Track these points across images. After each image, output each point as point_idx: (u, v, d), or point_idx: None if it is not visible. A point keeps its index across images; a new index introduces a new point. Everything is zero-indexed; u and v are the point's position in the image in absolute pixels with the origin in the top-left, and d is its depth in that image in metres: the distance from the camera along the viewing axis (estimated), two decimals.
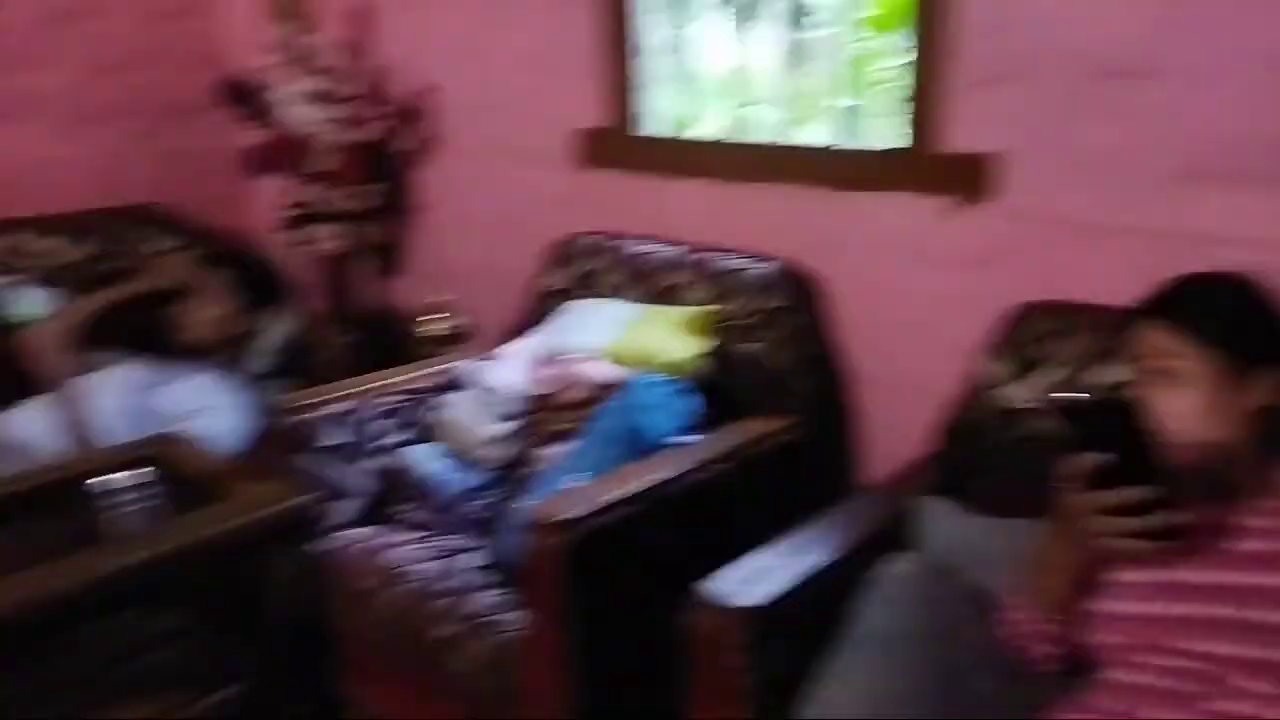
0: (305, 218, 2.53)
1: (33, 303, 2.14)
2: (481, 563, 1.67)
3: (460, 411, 1.87)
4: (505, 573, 1.63)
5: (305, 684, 1.79)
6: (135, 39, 2.59)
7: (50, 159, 2.49)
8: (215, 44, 2.75)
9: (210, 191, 2.80)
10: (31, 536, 1.64)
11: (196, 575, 1.86)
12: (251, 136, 2.50)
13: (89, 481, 1.47)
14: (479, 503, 1.81)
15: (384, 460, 1.88)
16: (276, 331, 2.37)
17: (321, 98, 2.35)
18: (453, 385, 1.96)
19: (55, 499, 1.73)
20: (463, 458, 1.84)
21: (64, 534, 1.62)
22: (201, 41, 2.72)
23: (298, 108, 2.37)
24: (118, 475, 1.47)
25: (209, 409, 2.14)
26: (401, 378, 1.97)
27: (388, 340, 2.65)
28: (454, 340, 2.25)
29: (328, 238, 2.53)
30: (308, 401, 1.80)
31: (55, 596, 1.46)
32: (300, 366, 2.41)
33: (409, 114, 2.44)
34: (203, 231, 2.66)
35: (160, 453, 1.81)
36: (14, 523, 1.67)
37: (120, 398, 2.11)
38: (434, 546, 1.73)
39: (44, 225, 2.37)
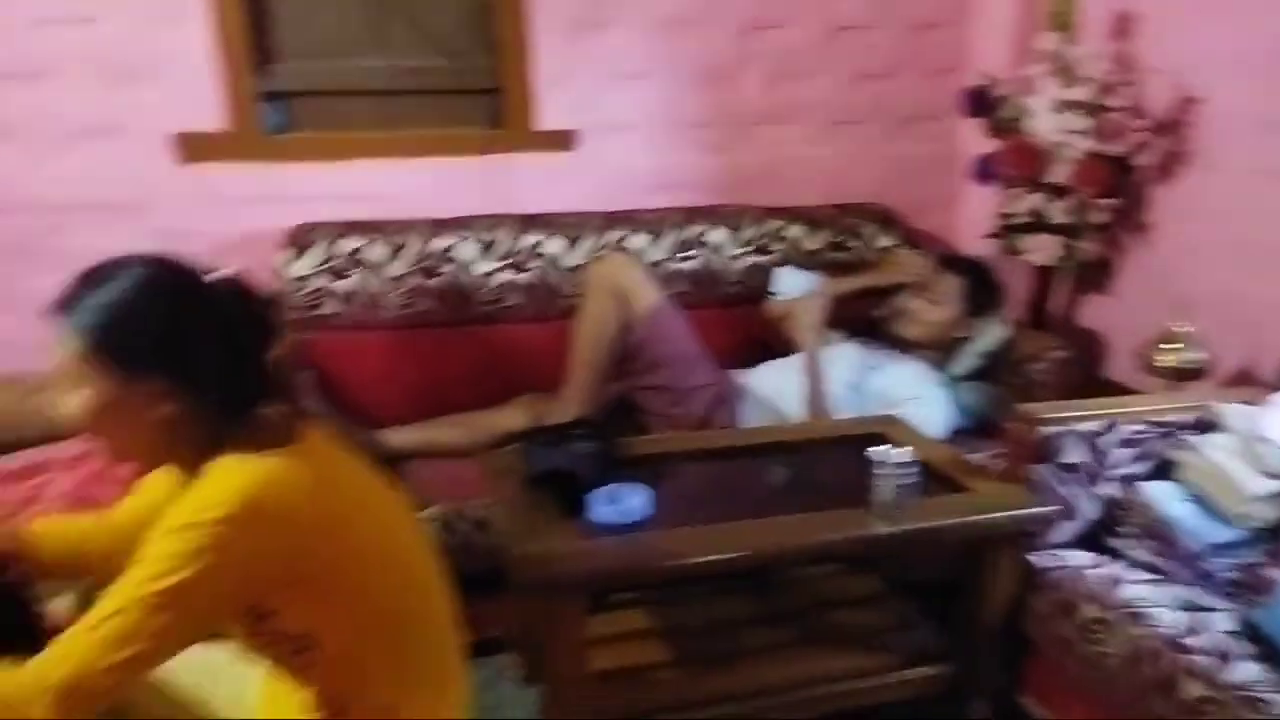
0: (1019, 227, 2.53)
1: (786, 280, 2.48)
2: (1232, 627, 1.51)
3: (1218, 457, 1.70)
4: (1266, 646, 1.45)
5: (995, 684, 1.82)
6: (890, 50, 2.83)
7: (804, 157, 2.86)
8: (962, 54, 2.87)
9: (922, 194, 2.95)
10: (780, 484, 1.90)
11: (923, 554, 2.01)
12: (986, 144, 2.57)
13: (869, 450, 1.64)
14: (1230, 560, 1.64)
15: (1116, 489, 1.80)
16: (988, 337, 2.43)
17: (1078, 108, 2.31)
18: (1206, 425, 1.79)
19: (804, 453, 2.00)
20: (1214, 507, 1.68)
21: (816, 487, 1.86)
22: (948, 52, 2.86)
23: (1048, 117, 2.37)
24: (889, 449, 1.62)
25: (918, 398, 2.27)
26: (1145, 406, 1.86)
27: (1088, 360, 2.55)
28: (1188, 375, 2.06)
29: (1040, 248, 2.50)
30: (1049, 415, 1.79)
31: (816, 545, 1.67)
32: (1000, 373, 2.44)
33: (1165, 128, 2.28)
34: (917, 232, 2.83)
35: (888, 432, 1.97)
36: (764, 468, 1.95)
37: (844, 373, 2.35)
38: (1171, 595, 1.61)
39: (793, 214, 2.72)
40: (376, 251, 2.45)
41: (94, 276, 1.10)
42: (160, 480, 1.29)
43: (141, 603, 1.00)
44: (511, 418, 2.35)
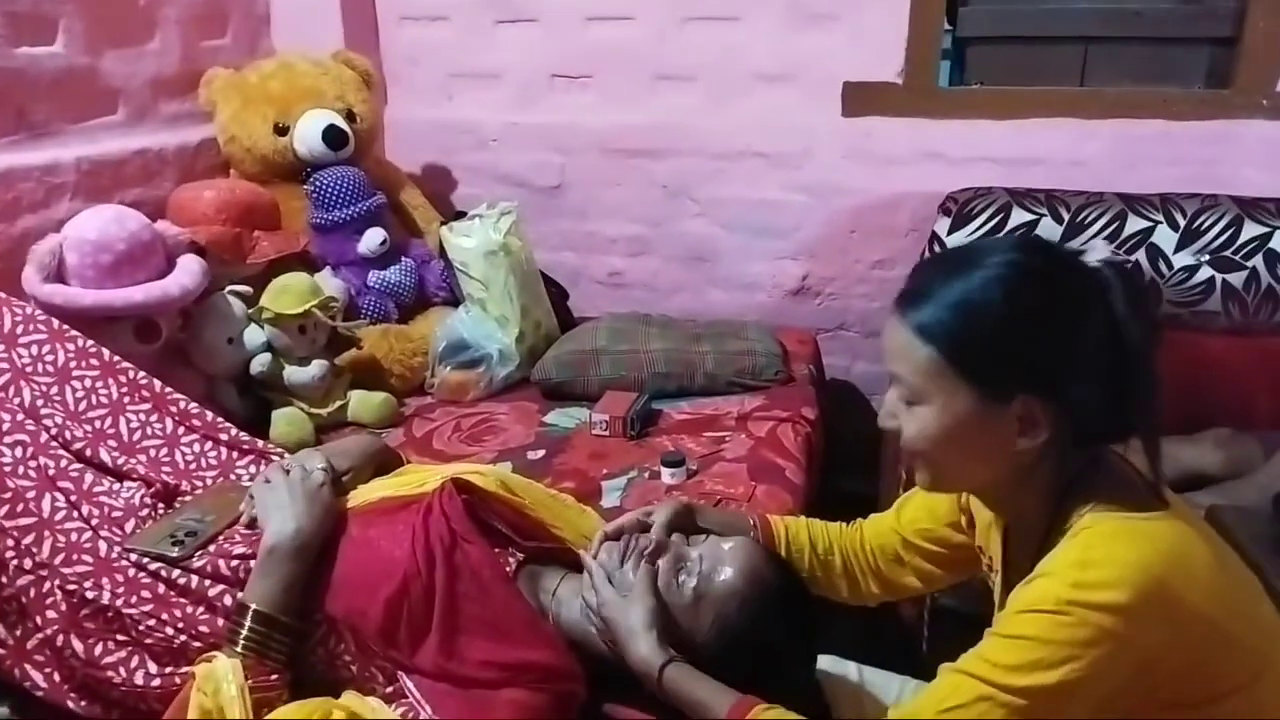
0: None
1: None
2: None
3: None
4: None
5: None
6: None
7: None
8: None
9: None
10: None
11: None
12: None
13: None
14: None
15: None
16: None
17: None
18: None
19: None
20: None
21: None
22: None
23: None
24: None
25: None
26: None
27: None
28: None
29: None
30: None
31: None
32: None
33: None
34: None
35: None
36: None
37: None
38: None
39: None
40: (1048, 226, 2.10)
41: (946, 265, 0.90)
42: (929, 501, 1.10)
43: (1004, 699, 0.79)
44: (1198, 454, 1.89)
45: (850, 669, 1.18)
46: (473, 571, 1.04)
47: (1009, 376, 0.85)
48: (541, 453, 1.76)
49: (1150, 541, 0.81)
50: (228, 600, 1.07)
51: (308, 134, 2.16)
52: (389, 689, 1.00)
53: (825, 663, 1.16)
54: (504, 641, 1.00)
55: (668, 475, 1.62)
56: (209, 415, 1.36)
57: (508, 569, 1.10)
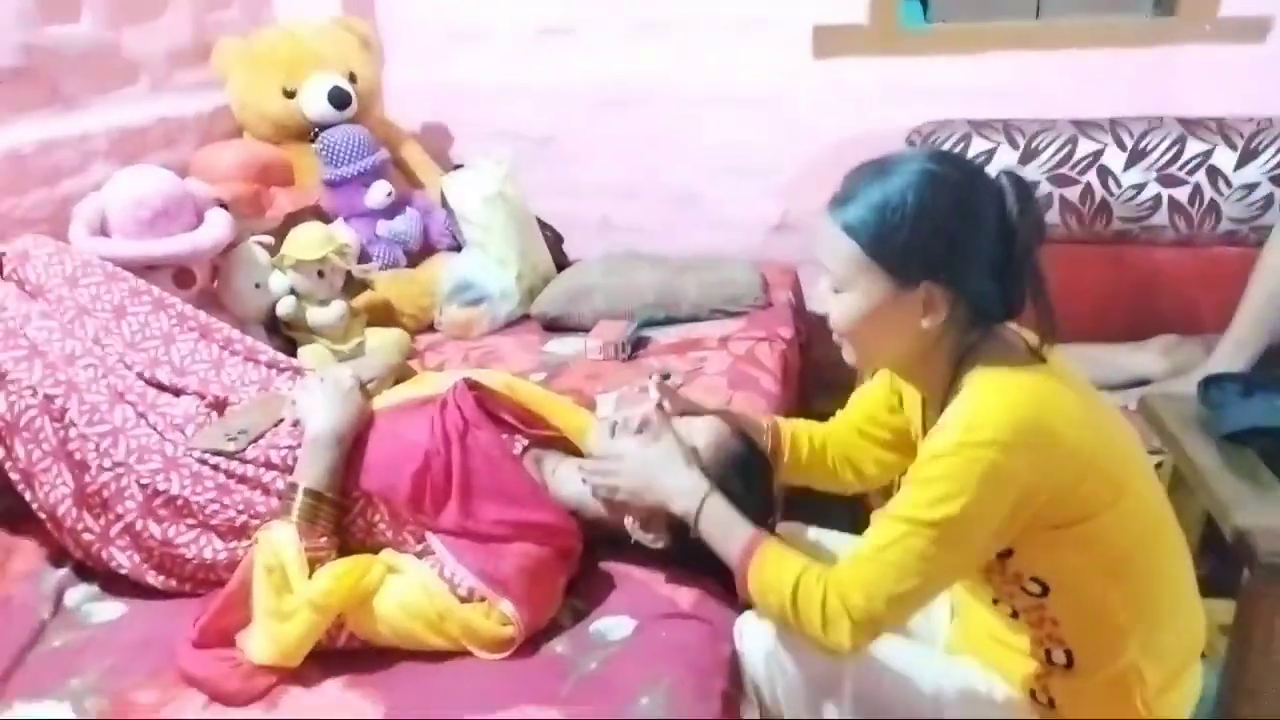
0: None
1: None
2: None
3: None
4: None
5: None
6: None
7: None
8: None
9: None
10: None
11: None
12: None
13: None
14: None
15: None
16: None
17: None
18: None
19: None
20: None
21: None
22: None
23: None
24: None
25: None
26: None
27: None
28: None
29: None
30: None
31: None
32: None
33: None
34: None
35: None
36: None
37: None
38: None
39: None
40: (1005, 153, 2.26)
41: (868, 172, 1.05)
42: (871, 393, 1.28)
43: (921, 531, 0.98)
44: (1145, 360, 2.06)
45: (808, 530, 1.37)
46: (484, 451, 1.23)
47: (916, 268, 1.01)
48: (543, 375, 1.95)
49: (1021, 389, 0.98)
50: (279, 484, 1.27)
51: (314, 96, 2.32)
52: (419, 548, 1.20)
53: (783, 528, 1.35)
54: (512, 505, 1.19)
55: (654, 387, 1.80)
56: (248, 340, 1.56)
57: (514, 452, 1.29)
